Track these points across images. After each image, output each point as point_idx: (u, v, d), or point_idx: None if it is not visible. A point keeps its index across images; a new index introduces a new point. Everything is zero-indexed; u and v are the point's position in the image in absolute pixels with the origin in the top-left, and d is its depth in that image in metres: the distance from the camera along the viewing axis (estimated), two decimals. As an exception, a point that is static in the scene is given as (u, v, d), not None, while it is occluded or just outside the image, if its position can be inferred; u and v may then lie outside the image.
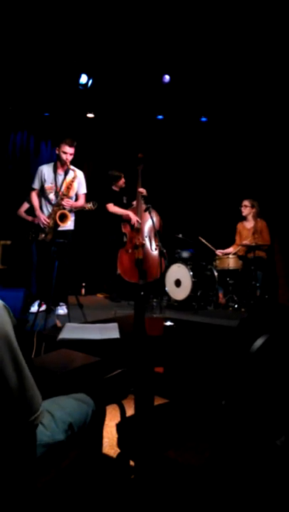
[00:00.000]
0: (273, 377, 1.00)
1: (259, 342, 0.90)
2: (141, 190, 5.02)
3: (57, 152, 4.05)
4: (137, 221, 4.88)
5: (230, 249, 5.00)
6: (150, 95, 5.68)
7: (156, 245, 4.78)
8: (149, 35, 4.55)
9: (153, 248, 4.87)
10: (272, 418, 1.03)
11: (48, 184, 4.04)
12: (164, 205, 5.42)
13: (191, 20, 4.26)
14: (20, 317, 3.20)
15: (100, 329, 1.74)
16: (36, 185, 4.09)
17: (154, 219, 4.60)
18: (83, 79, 5.22)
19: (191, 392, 1.66)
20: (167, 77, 5.34)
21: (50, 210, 4.02)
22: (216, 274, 4.67)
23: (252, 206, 4.90)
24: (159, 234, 4.65)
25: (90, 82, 5.30)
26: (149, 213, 4.60)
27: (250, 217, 4.96)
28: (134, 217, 4.91)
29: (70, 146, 3.98)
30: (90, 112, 6.13)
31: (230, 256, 4.71)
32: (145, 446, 1.29)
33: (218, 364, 1.34)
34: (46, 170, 4.08)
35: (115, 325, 1.80)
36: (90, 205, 4.54)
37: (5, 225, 5.52)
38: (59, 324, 3.10)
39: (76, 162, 4.20)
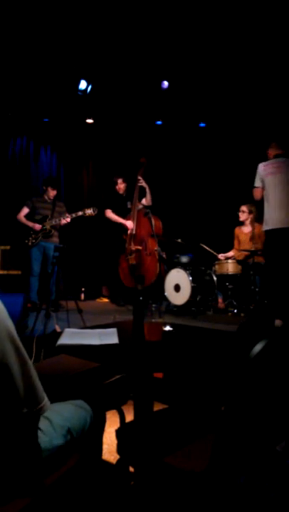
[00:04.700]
0: (273, 383, 0.99)
1: (258, 347, 0.90)
2: (143, 202, 4.94)
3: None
4: (131, 228, 4.83)
5: (231, 253, 5.02)
6: (149, 101, 5.71)
7: (152, 250, 4.71)
8: (148, 42, 4.59)
9: (148, 253, 4.77)
10: (272, 424, 1.03)
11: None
12: (163, 210, 5.43)
13: (189, 26, 4.30)
14: (20, 322, 3.18)
15: (99, 335, 1.73)
16: (259, 183, 4.07)
17: (153, 224, 4.56)
18: (82, 85, 5.26)
19: (191, 398, 1.65)
20: (166, 83, 5.37)
21: None
22: (215, 279, 4.68)
23: (249, 212, 4.91)
24: (158, 238, 4.61)
25: (90, 88, 5.34)
26: (149, 219, 4.58)
27: (247, 223, 4.97)
28: (129, 225, 4.84)
29: None
30: (90, 118, 6.16)
31: (230, 261, 4.72)
32: (145, 452, 1.29)
33: (218, 369, 1.34)
34: None
35: (114, 330, 1.79)
36: (90, 211, 4.55)
37: (4, 230, 5.53)
38: (58, 329, 3.10)
39: (75, 167, 4.22)
